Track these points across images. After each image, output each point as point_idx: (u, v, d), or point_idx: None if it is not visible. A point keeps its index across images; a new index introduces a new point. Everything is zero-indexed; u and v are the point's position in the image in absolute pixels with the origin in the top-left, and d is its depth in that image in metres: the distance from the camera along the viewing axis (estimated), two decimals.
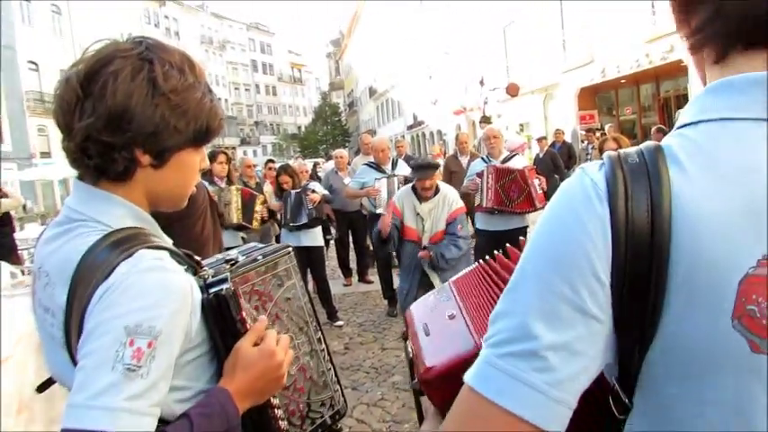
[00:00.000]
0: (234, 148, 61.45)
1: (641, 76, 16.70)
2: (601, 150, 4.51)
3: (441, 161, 13.99)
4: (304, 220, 5.76)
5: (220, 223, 4.66)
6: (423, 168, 4.35)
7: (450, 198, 4.38)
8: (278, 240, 8.48)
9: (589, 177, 0.63)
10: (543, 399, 0.57)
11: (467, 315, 0.97)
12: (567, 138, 18.55)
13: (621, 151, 0.64)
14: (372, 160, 6.38)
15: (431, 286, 4.23)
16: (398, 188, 5.78)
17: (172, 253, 0.99)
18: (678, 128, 0.65)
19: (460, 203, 4.45)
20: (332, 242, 8.07)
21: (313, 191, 5.86)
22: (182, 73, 1.00)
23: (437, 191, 4.39)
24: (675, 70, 14.37)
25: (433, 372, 0.86)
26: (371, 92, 53.04)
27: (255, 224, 5.85)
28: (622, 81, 17.65)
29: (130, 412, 0.80)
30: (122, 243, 0.92)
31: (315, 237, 5.94)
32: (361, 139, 8.40)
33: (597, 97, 19.83)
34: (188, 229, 3.66)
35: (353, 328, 5.91)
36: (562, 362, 0.58)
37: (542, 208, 5.24)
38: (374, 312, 6.40)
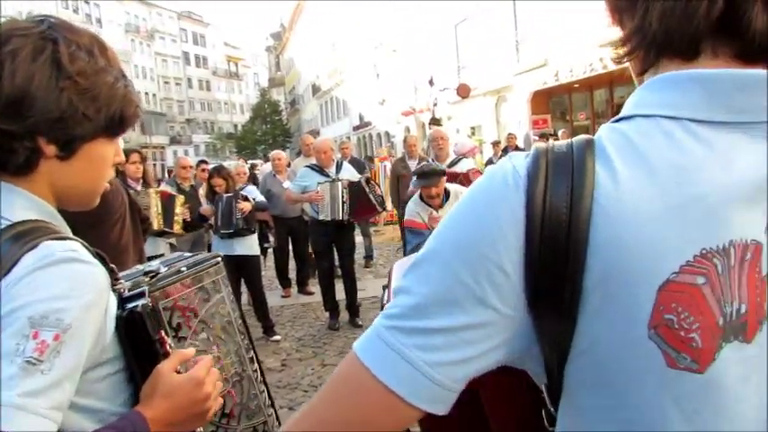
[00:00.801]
0: (163, 147, 60.14)
1: (595, 81, 17.30)
2: None
3: (387, 164, 14.16)
4: (236, 228, 5.66)
5: (144, 230, 4.48)
6: (428, 175, 4.39)
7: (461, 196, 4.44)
8: (210, 249, 8.31)
9: (512, 164, 0.63)
10: (420, 376, 0.59)
11: None
12: (520, 142, 19.06)
13: (552, 142, 0.65)
14: (314, 162, 6.33)
15: None
16: (343, 193, 5.76)
17: (85, 247, 0.94)
18: (613, 121, 0.66)
19: None
20: (269, 250, 7.96)
21: (245, 198, 5.76)
22: (91, 55, 0.95)
23: (447, 194, 4.49)
24: (629, 76, 14.90)
25: None
26: (315, 90, 52.88)
27: (177, 228, 5.70)
28: (576, 85, 18.23)
29: (24, 410, 0.75)
30: (25, 235, 0.87)
31: (250, 245, 5.84)
32: (302, 139, 8.35)
33: (551, 101, 20.41)
34: (102, 237, 3.48)
35: (291, 342, 5.83)
36: (448, 346, 0.59)
37: None
38: (314, 326, 6.34)
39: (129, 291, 1.00)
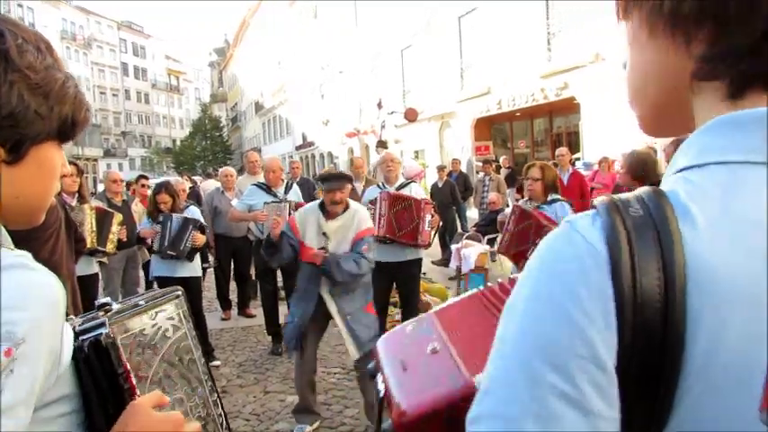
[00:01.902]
0: (96, 159, 58.02)
1: (536, 111, 17.84)
2: (526, 177, 4.64)
3: None
4: (182, 255, 5.42)
5: (78, 249, 4.23)
6: (333, 179, 4.06)
7: (360, 216, 4.15)
8: (146, 267, 7.97)
9: (582, 236, 0.55)
10: None
11: (454, 350, 0.91)
12: (463, 168, 19.39)
13: (618, 198, 0.57)
14: (263, 181, 6.19)
15: (326, 317, 4.10)
16: (290, 214, 5.63)
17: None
18: (680, 170, 0.60)
19: (370, 224, 4.27)
20: (209, 270, 7.71)
21: (201, 227, 5.55)
22: (39, 51, 0.85)
23: (346, 207, 4.13)
24: (568, 107, 15.50)
25: (414, 413, 0.80)
26: (258, 107, 52.39)
27: (111, 247, 5.46)
28: (517, 114, 18.74)
29: None
30: None
31: (193, 266, 5.60)
32: (248, 156, 8.13)
33: (492, 128, 20.89)
34: (32, 255, 3.26)
35: (232, 368, 5.61)
36: None
37: (424, 246, 5.35)
38: (256, 350, 6.13)
39: (83, 324, 0.91)
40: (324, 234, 4.03)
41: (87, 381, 0.86)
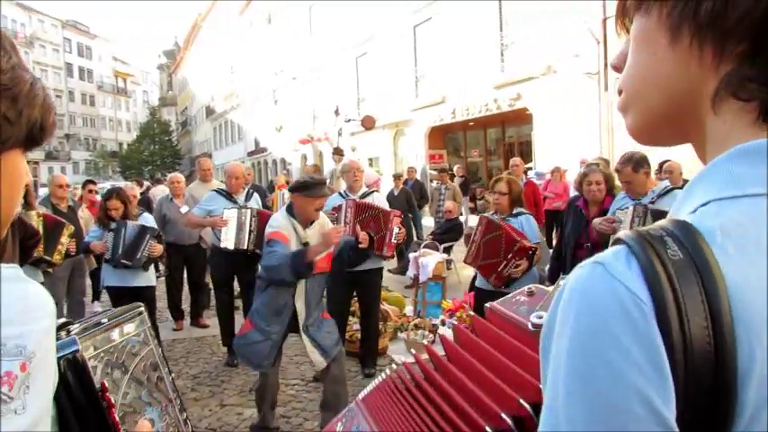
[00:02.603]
0: (37, 162, 55.89)
1: (489, 121, 18.12)
2: (492, 190, 4.65)
3: (286, 192, 13.92)
4: (137, 264, 5.24)
5: (23, 259, 4.04)
6: (318, 185, 3.95)
7: (325, 220, 4.18)
8: (94, 276, 7.69)
9: (623, 286, 0.50)
10: None
11: None
12: (418, 176, 19.49)
13: (648, 234, 0.53)
14: (223, 187, 6.06)
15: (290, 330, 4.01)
16: (251, 222, 5.52)
17: None
18: (708, 202, 0.56)
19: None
20: (160, 279, 7.50)
21: (158, 241, 5.38)
22: (3, 49, 0.77)
23: None
24: (521, 117, 15.81)
25: None
26: (209, 112, 51.53)
27: (58, 258, 5.25)
28: (471, 123, 18.99)
29: None
30: None
31: (147, 276, 5.42)
32: (200, 163, 7.94)
33: (446, 137, 21.11)
34: None
35: (186, 380, 5.45)
36: None
37: (388, 257, 5.32)
38: (211, 362, 5.98)
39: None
40: (305, 243, 3.93)
41: (64, 400, 0.81)
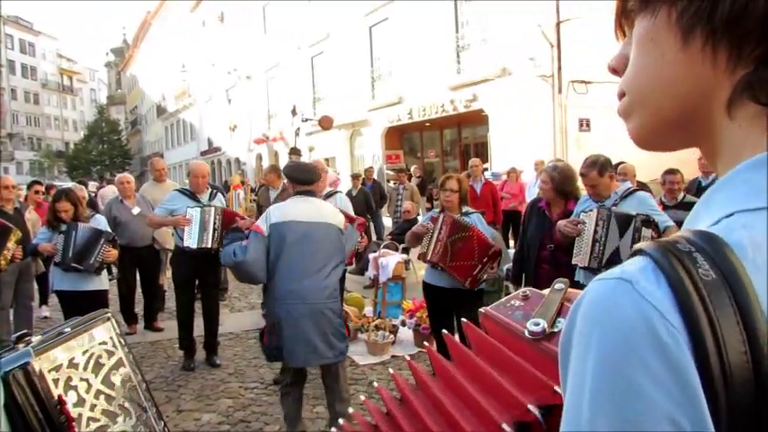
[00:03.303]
0: None
1: (445, 121, 18.24)
2: (443, 188, 4.65)
3: (241, 192, 13.72)
4: (90, 269, 5.06)
5: None
6: (311, 170, 3.96)
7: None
8: (41, 279, 7.40)
9: (650, 304, 0.47)
10: None
11: None
12: (375, 176, 19.45)
13: (674, 246, 0.50)
14: (181, 187, 5.91)
15: None
16: (215, 220, 5.40)
17: None
18: (732, 213, 0.53)
19: None
20: (112, 282, 7.27)
21: (113, 245, 5.21)
22: None
23: None
24: (477, 119, 15.97)
25: None
26: (160, 111, 50.38)
27: (3, 263, 5.03)
28: (427, 124, 19.09)
29: None
30: None
31: (100, 279, 5.25)
32: (153, 164, 7.74)
33: (403, 138, 21.16)
34: None
35: None
36: None
37: (347, 264, 5.23)
38: (166, 366, 5.82)
39: (1, 357, 0.80)
40: None
41: (17, 418, 0.75)
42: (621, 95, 0.63)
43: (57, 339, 0.90)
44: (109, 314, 1.04)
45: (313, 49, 23.76)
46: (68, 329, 0.93)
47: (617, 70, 0.65)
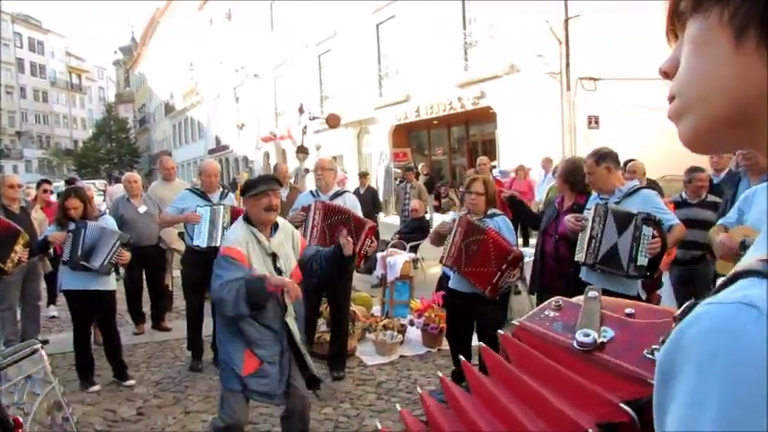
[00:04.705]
0: None
1: (453, 119, 18.16)
2: (468, 190, 4.58)
3: None
4: (103, 271, 5.03)
5: None
6: (264, 181, 3.50)
7: (288, 227, 3.70)
8: (49, 279, 7.40)
9: None
10: None
11: None
12: (380, 174, 19.37)
13: None
14: (198, 186, 5.88)
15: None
16: (224, 219, 5.35)
17: None
18: None
19: (299, 233, 3.92)
20: (119, 281, 7.25)
21: (127, 247, 5.20)
22: None
23: (275, 225, 3.59)
24: (484, 116, 15.88)
25: None
26: (168, 109, 50.48)
27: (10, 266, 5.03)
28: (435, 122, 19.02)
29: None
30: None
31: (107, 279, 5.19)
32: (162, 162, 7.71)
33: (410, 135, 21.09)
34: None
35: (148, 387, 5.26)
36: None
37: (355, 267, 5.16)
38: (174, 367, 5.79)
39: None
40: (272, 254, 3.46)
41: None
42: (672, 98, 0.61)
43: None
44: (38, 346, 1.00)
45: (320, 47, 23.71)
46: (0, 358, 0.88)
47: (668, 73, 0.62)
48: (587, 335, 1.07)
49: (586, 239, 3.82)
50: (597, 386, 1.05)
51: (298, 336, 3.52)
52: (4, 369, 0.78)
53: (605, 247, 3.75)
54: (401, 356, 5.76)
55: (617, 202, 3.93)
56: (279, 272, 3.43)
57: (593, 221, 3.80)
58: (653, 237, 3.63)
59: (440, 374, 1.57)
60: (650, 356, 1.01)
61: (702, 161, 6.26)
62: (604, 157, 4.01)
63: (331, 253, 3.62)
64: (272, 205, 3.38)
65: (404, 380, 5.19)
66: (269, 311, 3.33)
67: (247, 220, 3.48)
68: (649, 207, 3.82)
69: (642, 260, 3.64)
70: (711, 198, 5.37)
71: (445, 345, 5.51)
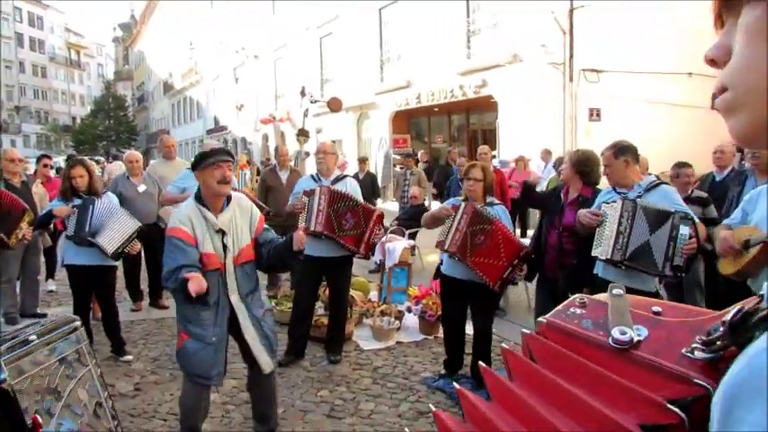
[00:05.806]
0: None
1: (453, 107, 18.08)
2: (466, 176, 4.55)
3: (247, 172, 13.63)
4: (115, 258, 5.06)
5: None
6: (213, 153, 3.36)
7: (245, 203, 3.61)
8: (48, 253, 7.39)
9: None
10: None
11: None
12: (380, 160, 19.32)
13: None
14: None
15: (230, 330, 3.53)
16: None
17: None
18: None
19: (258, 211, 3.73)
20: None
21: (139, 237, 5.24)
22: None
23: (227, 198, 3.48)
24: (485, 105, 15.82)
25: None
26: (167, 87, 50.12)
27: (14, 241, 5.02)
28: (436, 109, 18.93)
29: None
30: None
31: None
32: (163, 141, 7.68)
33: (410, 122, 21.01)
34: None
35: (146, 363, 5.28)
36: None
37: (362, 256, 5.14)
38: (171, 344, 5.77)
39: None
40: (220, 231, 3.39)
41: None
42: (722, 90, 0.57)
43: (23, 349, 0.83)
44: (77, 323, 0.97)
45: (322, 30, 23.52)
46: (35, 338, 0.87)
47: (716, 62, 0.58)
48: (624, 332, 1.06)
49: (612, 235, 3.66)
50: (637, 385, 1.03)
51: (245, 317, 3.47)
52: (42, 348, 0.76)
53: (634, 244, 3.62)
54: (398, 342, 5.78)
55: (638, 197, 3.79)
56: (225, 248, 3.40)
57: (621, 217, 3.65)
58: (690, 237, 3.52)
59: (432, 408, 1.51)
60: (690, 355, 0.99)
61: (706, 156, 6.26)
62: (624, 150, 3.91)
63: (282, 244, 3.55)
64: (226, 177, 3.34)
65: (400, 365, 5.21)
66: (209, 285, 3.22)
67: (198, 197, 3.42)
68: (669, 203, 3.72)
69: (678, 260, 3.53)
70: (697, 193, 5.36)
71: (442, 333, 5.53)
